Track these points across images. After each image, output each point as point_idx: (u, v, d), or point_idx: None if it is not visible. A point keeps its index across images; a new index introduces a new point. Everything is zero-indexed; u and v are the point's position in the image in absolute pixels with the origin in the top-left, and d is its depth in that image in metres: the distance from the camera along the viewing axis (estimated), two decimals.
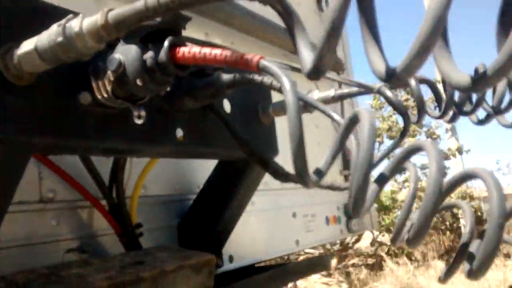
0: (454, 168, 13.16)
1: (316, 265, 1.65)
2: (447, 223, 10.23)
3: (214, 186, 1.23)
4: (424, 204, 0.58)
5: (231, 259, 1.43)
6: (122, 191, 1.10)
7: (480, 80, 0.42)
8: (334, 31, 0.40)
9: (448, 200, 0.78)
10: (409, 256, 10.24)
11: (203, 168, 1.35)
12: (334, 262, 11.28)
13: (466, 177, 0.67)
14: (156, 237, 1.22)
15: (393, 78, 0.43)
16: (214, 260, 1.03)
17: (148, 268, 0.89)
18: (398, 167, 0.70)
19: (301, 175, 0.59)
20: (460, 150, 11.46)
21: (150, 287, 0.87)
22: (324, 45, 0.41)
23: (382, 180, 0.71)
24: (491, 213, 0.56)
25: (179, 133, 0.93)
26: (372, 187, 0.70)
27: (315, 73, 0.44)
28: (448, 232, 10.44)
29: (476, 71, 0.44)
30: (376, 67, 0.44)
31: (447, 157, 11.31)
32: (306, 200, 1.94)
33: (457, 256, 0.69)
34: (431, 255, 10.28)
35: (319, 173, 0.68)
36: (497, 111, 1.00)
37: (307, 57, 0.46)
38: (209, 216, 1.24)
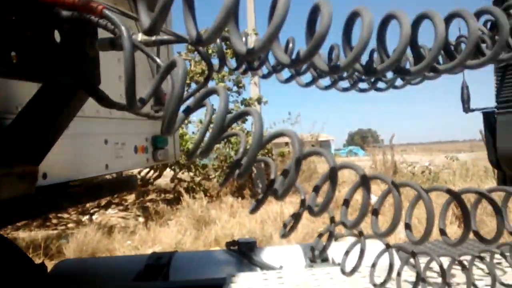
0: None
1: (124, 183, 1.86)
2: None
3: (38, 107, 1.33)
4: (211, 132, 0.86)
5: (44, 176, 1.55)
6: None
7: (250, 51, 0.70)
8: (165, 8, 0.62)
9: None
10: (205, 192, 11.10)
11: (21, 90, 1.43)
12: (132, 197, 11.56)
13: (244, 113, 0.97)
14: None
15: (200, 43, 0.67)
16: (36, 170, 1.18)
17: None
18: (200, 103, 0.97)
19: (130, 101, 0.80)
20: (259, 100, 12.65)
21: None
22: (157, 15, 0.63)
23: (187, 111, 0.97)
24: (253, 134, 0.87)
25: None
26: (180, 115, 0.96)
27: (151, 32, 0.66)
28: None
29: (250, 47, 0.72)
30: (190, 33, 0.68)
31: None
32: (118, 129, 2.11)
33: (229, 169, 1.00)
34: (224, 192, 11.33)
35: (142, 101, 0.90)
36: (275, 70, 1.35)
37: (145, 20, 0.67)
38: (29, 134, 1.34)
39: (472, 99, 3.42)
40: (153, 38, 1.37)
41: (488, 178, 10.73)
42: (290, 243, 5.06)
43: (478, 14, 0.90)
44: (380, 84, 1.47)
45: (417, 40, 0.87)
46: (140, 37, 1.37)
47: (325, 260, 2.52)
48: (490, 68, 3.18)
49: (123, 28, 0.78)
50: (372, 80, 1.46)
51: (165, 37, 1.33)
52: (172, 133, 0.87)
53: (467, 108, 3.41)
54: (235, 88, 12.51)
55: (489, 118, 3.25)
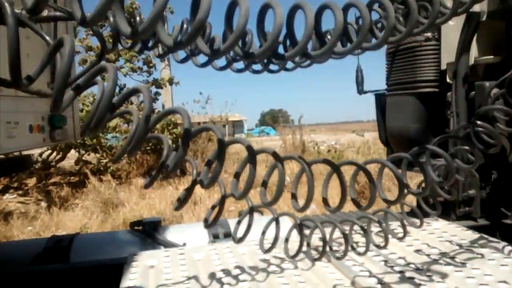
0: (164, 96, 14.33)
1: (18, 163, 1.79)
2: (151, 144, 11.01)
3: None
4: (99, 109, 0.88)
5: None
6: None
7: (135, 32, 0.74)
8: None
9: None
10: (113, 174, 10.78)
11: None
12: (33, 181, 10.90)
13: (133, 91, 1.00)
14: None
15: (85, 23, 0.70)
16: None
17: None
18: (90, 81, 0.98)
19: (15, 78, 0.81)
20: (171, 81, 12.46)
21: None
22: None
23: (77, 88, 0.98)
24: (143, 112, 0.92)
25: None
26: (70, 93, 0.97)
27: (33, 12, 0.68)
28: (151, 153, 11.31)
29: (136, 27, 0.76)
30: (75, 13, 0.71)
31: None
32: (10, 107, 2.01)
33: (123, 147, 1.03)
34: (134, 173, 11.07)
35: (29, 78, 0.90)
36: (171, 50, 1.39)
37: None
38: None
39: (370, 82, 3.70)
40: (45, 13, 1.34)
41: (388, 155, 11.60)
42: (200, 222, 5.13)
43: (346, 7, 1.01)
44: (272, 67, 1.57)
45: (292, 28, 0.97)
46: None
47: (227, 235, 2.63)
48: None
49: (6, 3, 0.78)
50: (265, 62, 1.55)
51: (57, 13, 1.32)
52: (60, 111, 0.89)
53: (361, 90, 3.68)
54: (145, 68, 12.21)
55: (380, 99, 3.54)
